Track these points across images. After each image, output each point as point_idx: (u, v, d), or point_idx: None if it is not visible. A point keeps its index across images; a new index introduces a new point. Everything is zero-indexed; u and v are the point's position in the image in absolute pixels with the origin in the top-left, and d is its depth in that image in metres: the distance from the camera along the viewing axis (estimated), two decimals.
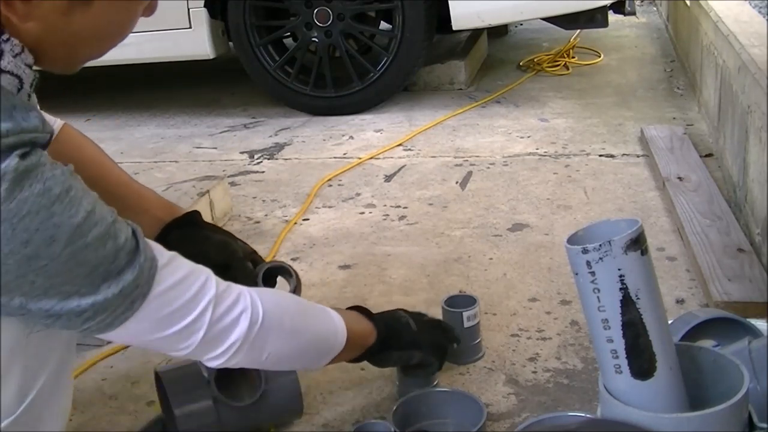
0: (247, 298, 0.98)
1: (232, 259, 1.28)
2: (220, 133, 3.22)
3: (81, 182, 0.83)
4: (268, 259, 1.42)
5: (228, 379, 1.24)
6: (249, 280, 1.27)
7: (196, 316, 0.91)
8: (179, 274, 0.91)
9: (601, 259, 0.96)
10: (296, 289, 1.32)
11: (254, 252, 1.34)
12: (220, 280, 0.96)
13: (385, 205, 2.31)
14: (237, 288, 0.98)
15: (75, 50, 0.91)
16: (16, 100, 0.79)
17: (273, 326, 1.01)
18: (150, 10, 0.96)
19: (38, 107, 0.99)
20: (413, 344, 1.29)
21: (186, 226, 1.29)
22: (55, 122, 1.24)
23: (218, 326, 0.94)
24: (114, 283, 0.83)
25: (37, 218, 0.77)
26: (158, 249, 0.90)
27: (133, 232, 0.87)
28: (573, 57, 3.91)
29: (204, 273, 0.94)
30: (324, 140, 2.99)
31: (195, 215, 1.32)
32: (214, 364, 0.98)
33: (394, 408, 1.28)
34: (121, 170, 1.31)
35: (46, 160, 0.80)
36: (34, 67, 0.88)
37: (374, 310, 1.70)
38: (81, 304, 0.82)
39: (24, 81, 0.86)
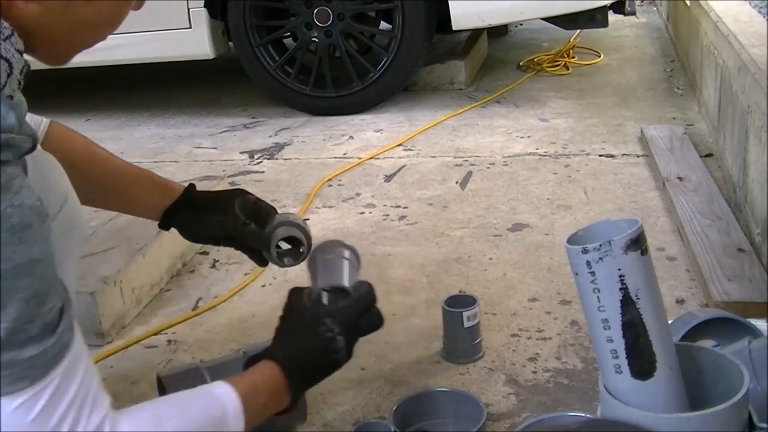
0: None
1: (234, 232, 1.29)
2: (220, 133, 3.22)
3: (44, 226, 0.76)
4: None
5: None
6: (260, 244, 1.30)
7: None
8: (79, 386, 0.80)
9: (601, 259, 0.96)
10: (307, 253, 1.32)
11: (257, 204, 1.34)
12: (110, 418, 0.83)
13: (385, 205, 2.31)
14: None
15: (73, 36, 0.89)
16: None
17: None
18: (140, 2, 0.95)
19: (26, 104, 0.98)
20: (334, 364, 1.10)
21: (184, 209, 1.31)
22: (42, 121, 1.23)
23: None
24: (12, 352, 0.74)
25: None
26: (78, 346, 0.81)
27: (61, 309, 0.79)
28: (573, 57, 3.91)
29: (102, 406, 0.82)
30: (324, 140, 2.99)
31: (191, 193, 1.33)
32: None
33: (394, 408, 1.29)
34: (114, 159, 1.32)
35: (21, 183, 0.75)
36: (26, 56, 0.86)
37: None
38: None
39: (14, 66, 0.82)
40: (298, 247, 1.33)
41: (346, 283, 1.16)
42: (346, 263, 1.22)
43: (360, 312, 1.12)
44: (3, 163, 0.73)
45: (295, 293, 1.14)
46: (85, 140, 1.31)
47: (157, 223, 1.34)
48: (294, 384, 1.03)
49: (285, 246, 1.35)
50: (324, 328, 1.07)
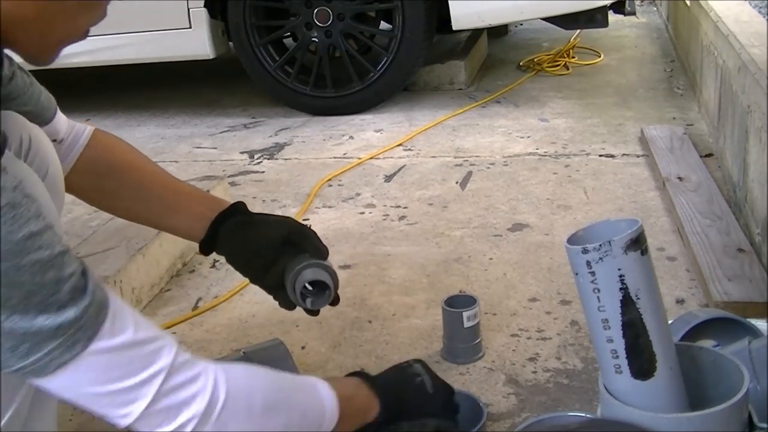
0: (208, 377, 0.86)
1: (294, 234, 1.24)
2: (220, 133, 3.22)
3: (34, 204, 0.76)
4: None
5: None
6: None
7: (144, 379, 0.80)
8: (134, 331, 0.82)
9: (601, 259, 0.96)
10: (333, 301, 1.27)
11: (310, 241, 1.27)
12: (183, 352, 0.85)
13: (385, 205, 2.31)
14: (201, 364, 0.87)
15: (51, 27, 0.85)
16: None
17: (239, 407, 0.88)
18: None
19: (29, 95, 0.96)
20: (426, 412, 1.12)
21: (235, 215, 1.25)
22: (85, 129, 1.22)
23: (167, 400, 0.82)
24: (52, 316, 0.75)
25: None
26: (114, 301, 0.82)
27: (83, 272, 0.79)
28: (573, 57, 3.92)
29: (163, 341, 0.84)
30: (324, 140, 2.99)
31: (241, 205, 1.27)
32: None
33: None
34: (160, 170, 1.28)
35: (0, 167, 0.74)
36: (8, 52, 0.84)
37: (374, 310, 1.71)
38: (14, 330, 0.74)
39: None
40: (324, 290, 1.25)
41: None
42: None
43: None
44: None
45: None
46: (131, 149, 1.27)
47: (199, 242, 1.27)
48: (384, 403, 1.07)
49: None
50: (412, 371, 1.16)
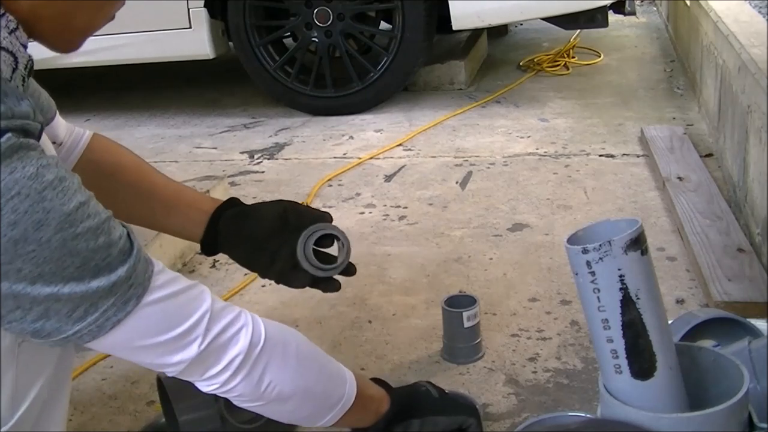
0: (248, 317, 0.94)
1: (291, 212, 1.24)
2: (220, 133, 3.22)
3: (76, 177, 0.81)
4: None
5: None
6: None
7: (193, 323, 0.88)
8: (176, 283, 0.89)
9: (601, 259, 0.96)
10: (344, 259, 1.24)
11: (310, 215, 1.26)
12: (219, 299, 0.93)
13: (385, 205, 2.31)
14: (237, 307, 0.94)
15: (73, 17, 0.87)
16: (8, 87, 0.77)
17: (276, 351, 0.95)
18: None
19: (45, 95, 0.97)
20: (435, 410, 1.15)
21: (229, 209, 1.25)
22: (84, 133, 1.22)
23: (216, 341, 0.89)
24: (105, 277, 0.80)
25: (27, 201, 0.74)
26: (156, 261, 0.88)
27: (128, 234, 0.84)
28: (573, 57, 3.91)
29: (201, 287, 0.92)
30: (324, 140, 2.99)
31: (235, 200, 1.28)
32: (209, 386, 0.93)
33: None
34: (156, 172, 1.29)
35: (40, 146, 0.78)
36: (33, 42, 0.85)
37: (374, 310, 1.71)
38: (72, 295, 0.78)
39: (19, 60, 0.83)
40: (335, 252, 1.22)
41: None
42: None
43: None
44: (26, 137, 0.76)
45: None
46: (128, 152, 1.28)
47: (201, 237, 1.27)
48: (389, 415, 1.10)
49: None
50: (417, 384, 1.20)
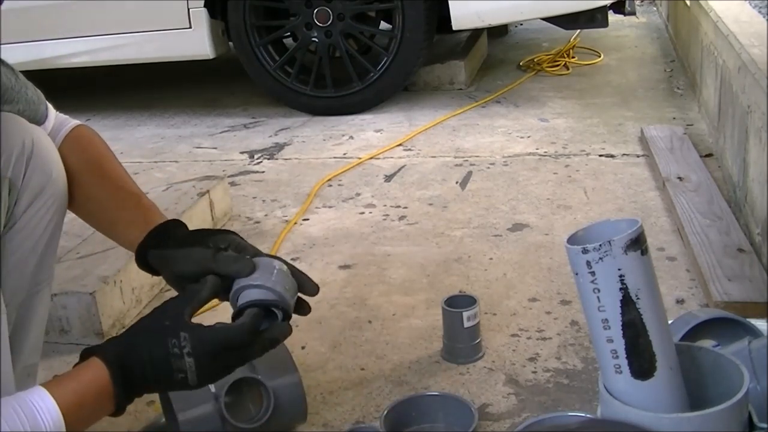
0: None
1: (208, 262, 1.05)
2: (220, 133, 3.22)
3: None
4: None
5: (235, 393, 1.23)
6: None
7: None
8: None
9: (601, 259, 0.96)
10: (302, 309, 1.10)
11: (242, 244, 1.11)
12: None
13: (385, 205, 2.31)
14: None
15: None
16: None
17: None
18: None
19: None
20: (176, 383, 0.96)
21: (156, 246, 1.12)
22: (69, 122, 1.22)
23: None
24: None
25: None
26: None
27: None
28: (573, 57, 3.91)
29: None
30: (324, 140, 2.99)
31: (168, 226, 1.14)
32: None
33: (385, 412, 1.28)
34: (123, 178, 1.22)
35: None
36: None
37: (374, 310, 1.72)
38: None
39: None
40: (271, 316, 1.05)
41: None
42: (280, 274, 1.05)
43: (224, 344, 0.96)
44: None
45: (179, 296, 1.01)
46: (100, 154, 1.22)
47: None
48: (121, 393, 0.93)
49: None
50: (175, 342, 0.94)
